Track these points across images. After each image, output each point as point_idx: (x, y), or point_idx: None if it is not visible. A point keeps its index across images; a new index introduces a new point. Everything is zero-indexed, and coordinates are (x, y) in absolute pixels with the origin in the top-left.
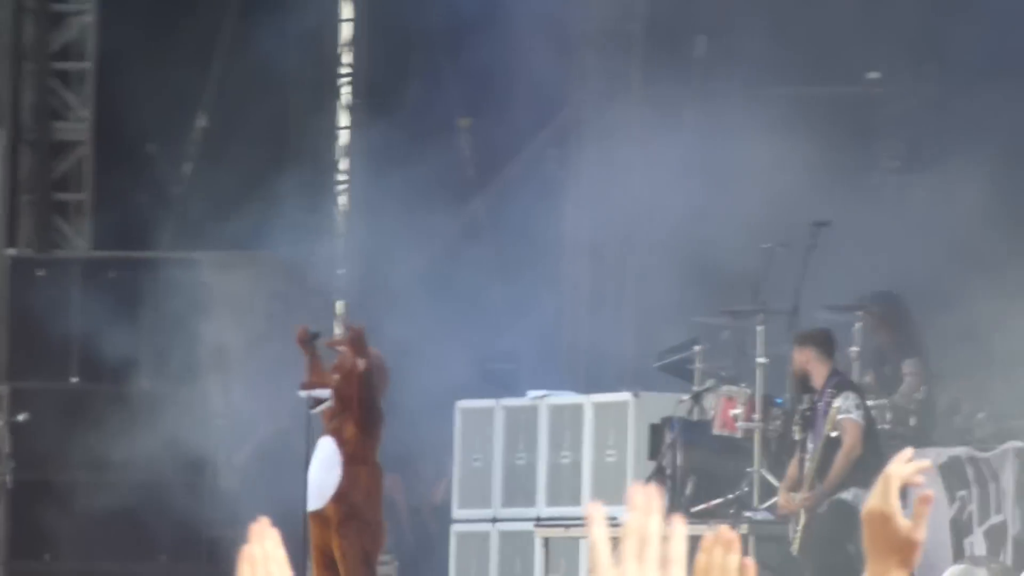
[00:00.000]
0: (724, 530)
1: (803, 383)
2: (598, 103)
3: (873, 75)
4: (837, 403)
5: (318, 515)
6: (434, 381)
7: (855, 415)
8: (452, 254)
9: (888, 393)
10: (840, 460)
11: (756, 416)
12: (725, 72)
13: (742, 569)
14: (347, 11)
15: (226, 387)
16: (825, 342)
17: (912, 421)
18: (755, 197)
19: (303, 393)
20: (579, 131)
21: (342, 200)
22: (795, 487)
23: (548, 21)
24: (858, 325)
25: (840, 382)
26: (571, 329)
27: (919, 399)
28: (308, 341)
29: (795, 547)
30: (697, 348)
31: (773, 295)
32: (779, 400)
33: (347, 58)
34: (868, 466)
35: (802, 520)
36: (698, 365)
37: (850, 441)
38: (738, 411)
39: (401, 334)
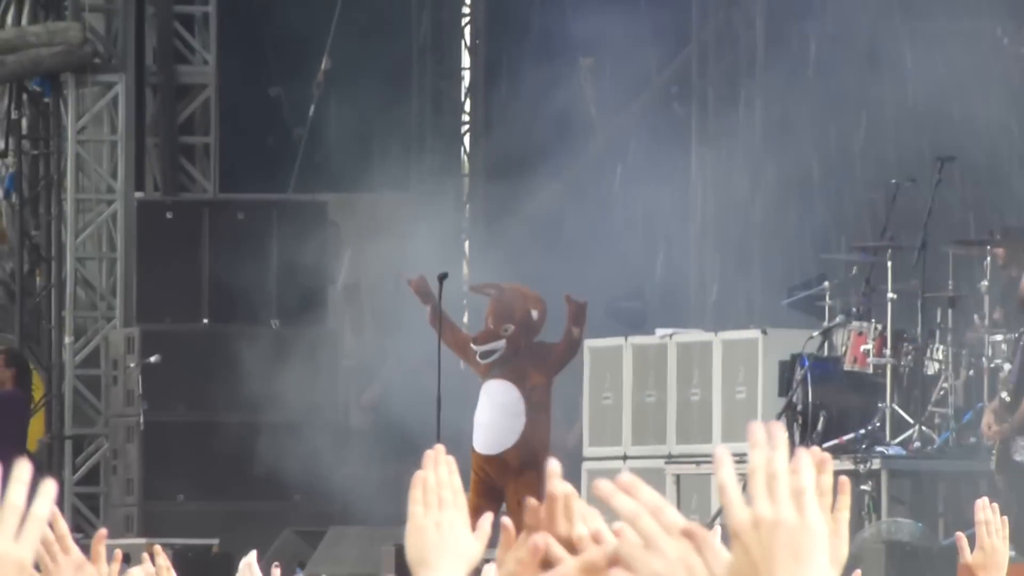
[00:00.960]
0: (815, 451)
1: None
2: (721, 39)
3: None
4: None
5: (496, 459)
6: (561, 320)
7: None
8: (577, 193)
9: (1018, 328)
10: None
11: (887, 351)
12: (847, 5)
13: (839, 487)
14: None
15: (356, 327)
16: None
17: None
18: (882, 131)
19: (479, 348)
20: (703, 68)
21: (467, 140)
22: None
23: None
24: (988, 260)
25: None
26: (698, 266)
27: None
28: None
29: (993, 464)
30: (826, 284)
31: (901, 230)
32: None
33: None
34: None
35: (997, 446)
36: (828, 301)
37: None
38: (869, 346)
39: (527, 273)
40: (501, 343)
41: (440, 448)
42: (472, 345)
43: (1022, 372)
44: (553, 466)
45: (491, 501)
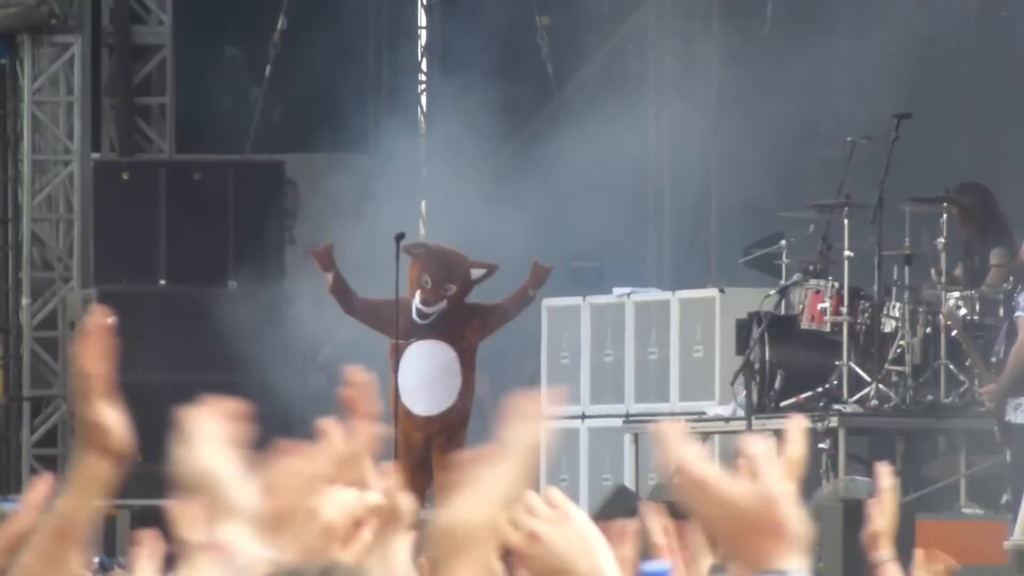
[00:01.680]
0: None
1: (1019, 274)
2: None
3: None
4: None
5: (437, 419)
6: (518, 280)
7: None
8: (534, 151)
9: (976, 284)
10: (1011, 358)
11: (844, 309)
12: None
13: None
14: None
15: (314, 286)
16: None
17: (1001, 311)
18: (837, 88)
19: (428, 308)
20: (659, 25)
21: (423, 100)
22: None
23: None
24: (944, 217)
25: None
26: (655, 225)
27: (1007, 289)
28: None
29: (997, 436)
30: (783, 242)
31: (857, 188)
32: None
33: None
34: None
35: (993, 412)
36: (784, 259)
37: (1021, 339)
38: (826, 304)
39: (484, 233)
40: (443, 304)
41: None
42: (420, 306)
43: (1009, 332)
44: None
45: (423, 471)
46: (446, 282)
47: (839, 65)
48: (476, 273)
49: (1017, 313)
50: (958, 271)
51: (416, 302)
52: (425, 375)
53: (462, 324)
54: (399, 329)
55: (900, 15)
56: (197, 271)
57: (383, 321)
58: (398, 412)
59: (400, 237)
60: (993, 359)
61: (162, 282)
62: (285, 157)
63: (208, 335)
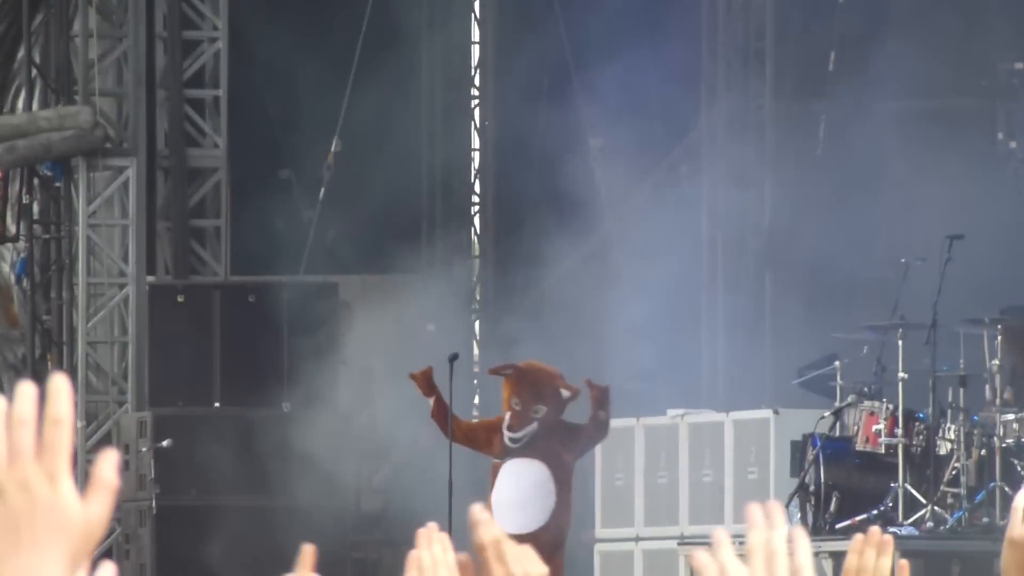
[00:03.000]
0: (875, 531)
1: None
2: (729, 120)
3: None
4: None
5: (528, 538)
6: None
7: None
8: (586, 274)
9: None
10: None
11: (899, 431)
12: (855, 87)
13: (898, 571)
14: (477, 34)
15: (369, 409)
16: None
17: None
18: (890, 210)
19: (514, 435)
20: (711, 149)
21: (477, 221)
22: None
23: (678, 38)
24: (999, 338)
25: None
26: (709, 346)
27: None
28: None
29: None
30: (837, 364)
31: (911, 309)
32: (921, 415)
33: (478, 81)
34: None
35: None
36: (839, 381)
37: None
38: (880, 426)
39: (537, 354)
40: (533, 427)
41: (433, 526)
42: (507, 432)
43: None
44: (478, 513)
45: None
46: (535, 403)
47: (891, 186)
48: (565, 393)
49: None
50: (1007, 394)
51: (504, 427)
52: (517, 493)
53: (557, 443)
54: (498, 448)
55: (951, 137)
56: (251, 393)
57: (480, 443)
58: None
59: (454, 358)
60: None
61: (216, 404)
62: (338, 278)
63: (262, 457)
